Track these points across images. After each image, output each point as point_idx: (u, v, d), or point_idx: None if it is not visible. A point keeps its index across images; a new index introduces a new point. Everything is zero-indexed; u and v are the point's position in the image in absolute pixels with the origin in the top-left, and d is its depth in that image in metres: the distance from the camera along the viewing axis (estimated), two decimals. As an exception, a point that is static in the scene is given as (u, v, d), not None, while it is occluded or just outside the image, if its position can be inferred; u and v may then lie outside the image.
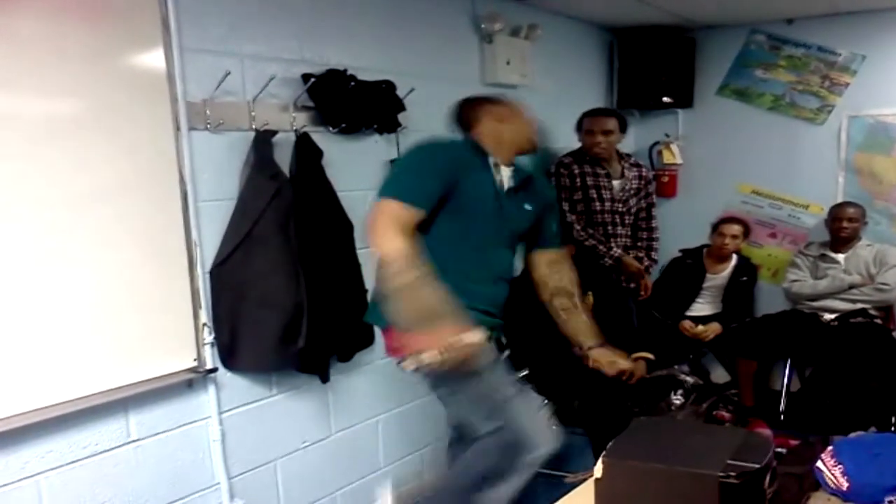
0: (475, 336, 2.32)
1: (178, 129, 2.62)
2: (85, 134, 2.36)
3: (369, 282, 3.27)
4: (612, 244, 4.26)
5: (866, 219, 4.65)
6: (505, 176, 2.67)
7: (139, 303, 2.52)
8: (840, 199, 4.83)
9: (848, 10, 4.69)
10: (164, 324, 2.63)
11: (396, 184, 2.53)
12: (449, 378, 2.47)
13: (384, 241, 2.36)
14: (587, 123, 4.28)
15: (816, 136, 5.00)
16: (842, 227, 4.57)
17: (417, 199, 2.45)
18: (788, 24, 4.98)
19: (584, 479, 1.81)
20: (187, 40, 2.65)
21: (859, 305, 4.51)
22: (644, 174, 4.51)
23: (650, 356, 4.04)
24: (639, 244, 4.46)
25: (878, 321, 4.54)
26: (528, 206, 2.76)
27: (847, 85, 4.89)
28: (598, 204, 4.25)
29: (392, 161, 3.46)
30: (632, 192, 4.37)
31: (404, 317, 2.31)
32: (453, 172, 2.53)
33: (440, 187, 2.49)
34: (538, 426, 2.63)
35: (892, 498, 1.61)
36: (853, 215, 4.58)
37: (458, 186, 2.52)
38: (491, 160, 2.65)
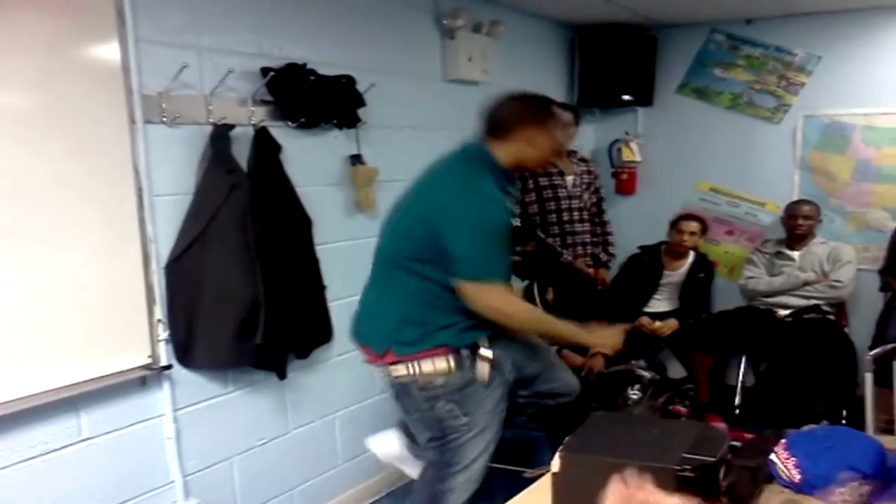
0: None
1: (133, 122, 2.58)
2: (37, 127, 2.31)
3: (327, 278, 3.26)
4: (569, 242, 4.30)
5: (821, 216, 4.72)
6: (511, 199, 2.62)
7: (92, 299, 2.47)
8: (796, 197, 4.90)
9: (805, 11, 4.76)
10: (118, 320, 2.58)
11: (491, 265, 2.41)
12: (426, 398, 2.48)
13: (516, 318, 2.50)
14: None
15: (773, 134, 5.07)
16: (797, 225, 4.64)
17: (507, 275, 2.52)
18: (747, 24, 5.05)
19: (542, 474, 1.81)
20: (143, 32, 2.61)
21: (813, 302, 4.58)
22: (591, 169, 4.57)
23: (608, 352, 4.07)
24: (595, 240, 4.51)
25: (832, 317, 4.62)
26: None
27: (803, 85, 4.96)
28: (552, 203, 4.29)
29: (352, 156, 3.44)
30: (584, 186, 4.42)
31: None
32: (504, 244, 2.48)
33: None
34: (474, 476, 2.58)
35: (842, 489, 1.63)
36: (808, 213, 4.65)
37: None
38: (503, 184, 2.53)
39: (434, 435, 2.53)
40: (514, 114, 2.51)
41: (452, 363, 2.43)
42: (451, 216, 2.36)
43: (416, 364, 2.43)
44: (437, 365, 2.43)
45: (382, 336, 2.49)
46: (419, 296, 2.44)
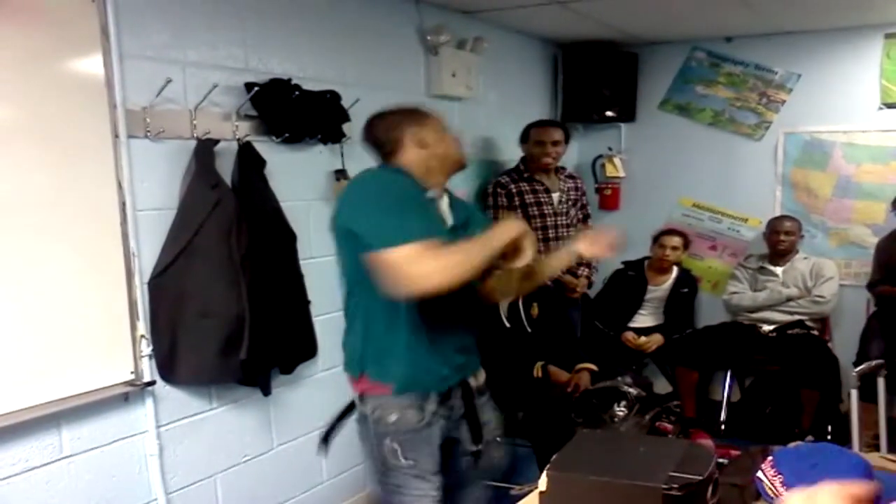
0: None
1: (116, 136, 2.56)
2: (20, 141, 2.29)
3: (312, 293, 3.24)
4: None
5: (803, 232, 4.76)
6: (444, 210, 2.38)
7: (74, 314, 2.45)
8: (778, 213, 4.94)
9: (784, 30, 4.82)
10: (100, 336, 2.56)
11: (401, 228, 2.08)
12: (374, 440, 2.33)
13: (426, 276, 2.04)
14: (535, 134, 4.32)
15: (754, 151, 5.12)
16: (779, 241, 4.67)
17: (427, 233, 2.08)
18: (728, 42, 5.10)
19: (529, 492, 1.80)
20: (127, 47, 2.60)
21: (796, 317, 4.61)
22: (579, 185, 4.59)
23: (593, 367, 4.08)
24: None
25: (815, 332, 4.65)
26: (471, 231, 2.43)
27: (783, 102, 5.02)
28: (538, 220, 4.30)
29: (337, 171, 3.43)
30: (570, 203, 4.45)
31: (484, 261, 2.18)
32: (418, 209, 2.21)
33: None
34: None
35: (829, 507, 1.63)
36: (790, 229, 4.69)
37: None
38: (428, 194, 2.33)
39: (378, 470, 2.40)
40: (387, 127, 2.38)
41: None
42: (348, 204, 2.27)
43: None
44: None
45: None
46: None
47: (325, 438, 2.56)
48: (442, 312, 2.27)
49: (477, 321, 2.50)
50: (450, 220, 2.37)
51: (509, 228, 2.25)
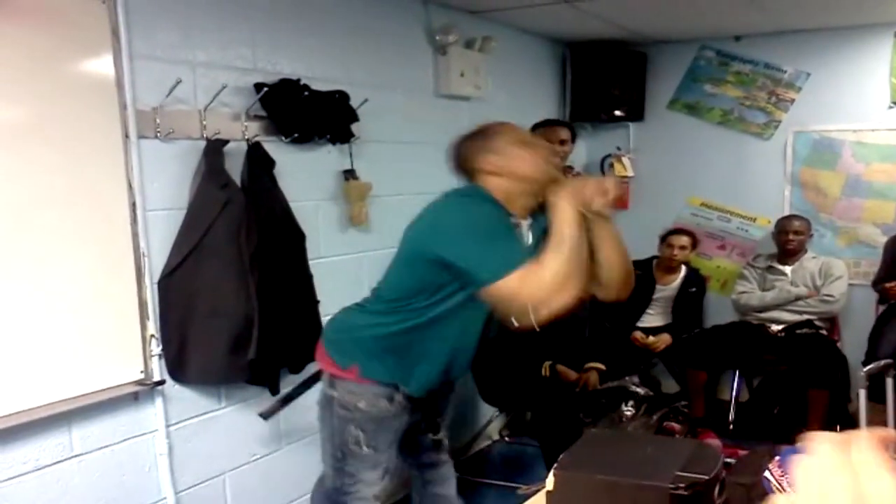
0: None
1: (126, 137, 2.58)
2: (31, 142, 2.31)
3: (320, 293, 3.25)
4: None
5: (812, 231, 4.75)
6: (524, 233, 2.30)
7: (84, 314, 2.46)
8: (786, 213, 4.93)
9: (793, 28, 4.80)
10: (110, 335, 2.57)
11: (504, 257, 2.08)
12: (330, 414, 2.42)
13: (546, 287, 2.03)
14: (542, 134, 4.31)
15: (763, 150, 5.11)
16: (788, 240, 4.66)
17: (523, 256, 2.09)
18: (736, 40, 5.09)
19: (536, 491, 1.80)
20: (137, 48, 2.61)
21: (805, 317, 4.60)
22: None
23: (602, 367, 4.08)
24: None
25: (824, 332, 4.64)
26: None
27: (793, 101, 5.00)
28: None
29: (345, 171, 3.44)
30: None
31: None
32: (507, 234, 2.19)
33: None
34: None
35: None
36: (799, 228, 4.68)
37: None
38: (512, 219, 2.27)
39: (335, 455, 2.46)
40: (463, 157, 2.34)
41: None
42: (440, 231, 2.23)
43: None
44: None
45: None
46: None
47: (282, 403, 2.69)
48: (465, 342, 2.33)
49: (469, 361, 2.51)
50: (529, 241, 2.30)
51: (564, 209, 2.11)
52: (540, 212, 2.31)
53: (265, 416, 2.77)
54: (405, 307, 2.29)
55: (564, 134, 4.31)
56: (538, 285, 2.02)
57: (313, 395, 3.36)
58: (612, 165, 5.46)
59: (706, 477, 1.51)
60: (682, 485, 1.47)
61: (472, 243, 2.13)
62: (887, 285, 4.36)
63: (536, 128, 4.38)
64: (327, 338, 2.50)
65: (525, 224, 2.30)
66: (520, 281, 2.02)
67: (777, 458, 1.88)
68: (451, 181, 4.13)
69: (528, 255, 2.10)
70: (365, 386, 2.33)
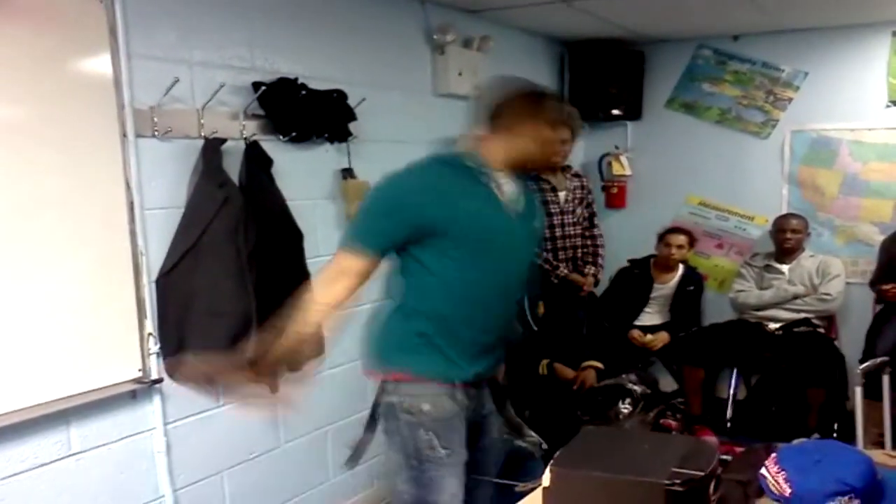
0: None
1: (124, 136, 2.58)
2: (29, 141, 2.32)
3: (319, 291, 3.25)
4: (561, 257, 4.31)
5: (809, 230, 4.75)
6: (506, 189, 2.26)
7: (82, 312, 2.47)
8: (784, 211, 4.93)
9: (791, 27, 4.81)
10: (108, 334, 2.58)
11: (350, 231, 2.25)
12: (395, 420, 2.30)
13: (321, 291, 2.23)
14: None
15: (761, 149, 5.11)
16: (786, 239, 4.66)
17: (370, 244, 2.17)
18: (734, 40, 5.10)
19: (534, 489, 1.81)
20: (135, 47, 2.62)
21: (803, 315, 4.60)
22: (585, 183, 4.58)
23: (599, 365, 4.09)
24: (585, 251, 4.53)
25: (821, 330, 4.64)
26: (535, 224, 2.44)
27: (790, 100, 5.01)
28: (545, 219, 4.29)
29: (343, 170, 3.45)
30: (576, 201, 4.44)
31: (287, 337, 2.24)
32: (425, 206, 2.16)
33: (403, 227, 2.17)
34: None
35: (831, 503, 1.64)
36: (797, 227, 4.68)
37: (439, 220, 2.15)
38: (486, 174, 2.23)
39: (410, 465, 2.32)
40: (501, 98, 2.28)
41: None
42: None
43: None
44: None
45: None
46: None
47: (355, 454, 2.48)
48: (486, 314, 2.29)
49: (509, 321, 2.46)
50: (517, 206, 2.28)
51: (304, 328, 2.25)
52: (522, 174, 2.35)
53: (351, 463, 2.53)
54: (410, 290, 2.27)
55: (565, 133, 4.31)
56: (322, 283, 2.25)
57: (312, 391, 3.37)
58: (609, 164, 5.47)
59: (702, 473, 1.52)
60: (677, 481, 1.48)
61: (361, 210, 2.27)
62: (884, 287, 4.36)
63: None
64: (370, 352, 2.37)
65: (508, 183, 2.27)
66: (331, 267, 2.22)
67: (773, 455, 1.88)
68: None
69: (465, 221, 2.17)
70: (423, 386, 2.24)
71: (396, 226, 2.18)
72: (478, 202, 2.20)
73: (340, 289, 2.19)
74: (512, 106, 2.26)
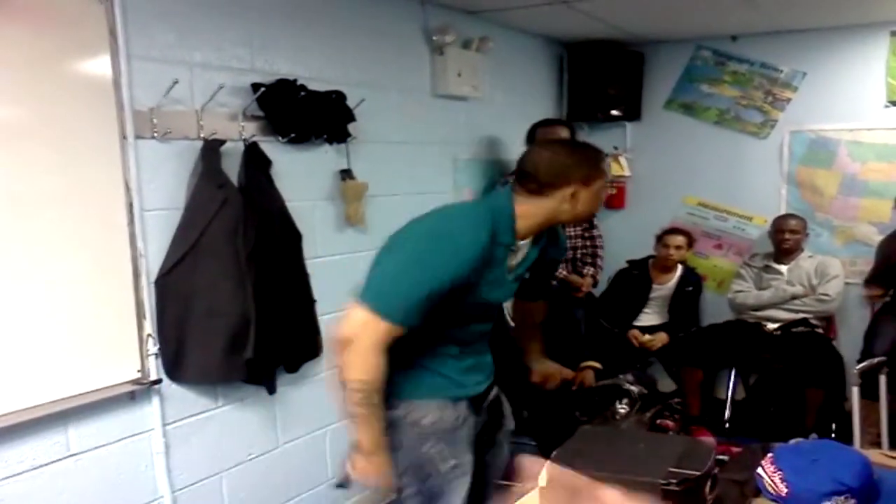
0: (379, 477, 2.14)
1: (124, 137, 2.59)
2: (28, 142, 2.32)
3: (317, 292, 3.26)
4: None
5: (808, 230, 4.76)
6: (519, 256, 2.21)
7: (81, 313, 2.47)
8: (783, 212, 4.94)
9: (789, 28, 4.81)
10: (107, 335, 2.58)
11: (385, 291, 2.03)
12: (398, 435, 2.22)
13: (355, 367, 2.02)
14: (542, 134, 4.32)
15: (760, 149, 5.12)
16: (784, 239, 4.67)
17: (405, 320, 2.00)
18: (733, 40, 5.10)
19: (531, 488, 1.82)
20: (135, 48, 2.62)
21: (801, 315, 4.61)
22: None
23: (598, 366, 4.09)
24: (584, 252, 4.53)
25: (820, 331, 4.65)
26: (551, 255, 2.41)
27: (789, 100, 5.01)
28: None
29: (342, 171, 3.45)
30: None
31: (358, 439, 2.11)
32: (463, 276, 2.02)
33: (438, 297, 2.02)
34: None
35: (828, 503, 1.64)
36: (795, 227, 4.69)
37: (465, 286, 2.05)
38: (512, 251, 2.16)
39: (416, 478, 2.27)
40: (562, 169, 2.13)
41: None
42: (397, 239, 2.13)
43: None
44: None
45: None
46: None
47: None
48: (468, 336, 2.27)
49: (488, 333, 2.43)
50: (520, 263, 2.23)
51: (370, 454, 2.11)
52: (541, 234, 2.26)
53: (345, 485, 2.43)
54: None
55: (564, 133, 4.32)
56: (356, 354, 2.01)
57: (310, 392, 3.38)
58: (608, 165, 5.46)
59: (697, 473, 1.53)
60: (673, 480, 1.49)
61: (391, 261, 2.08)
62: (866, 293, 4.41)
63: (537, 127, 4.40)
64: None
65: (526, 244, 2.22)
66: (361, 332, 2.00)
67: (770, 455, 1.89)
68: (447, 181, 4.15)
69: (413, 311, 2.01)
70: (424, 402, 2.21)
71: (433, 294, 2.01)
72: (492, 275, 2.12)
73: (374, 359, 2.01)
74: (567, 168, 2.13)
